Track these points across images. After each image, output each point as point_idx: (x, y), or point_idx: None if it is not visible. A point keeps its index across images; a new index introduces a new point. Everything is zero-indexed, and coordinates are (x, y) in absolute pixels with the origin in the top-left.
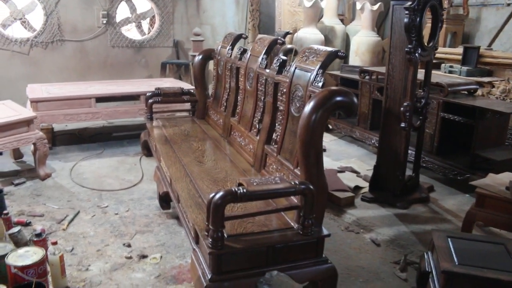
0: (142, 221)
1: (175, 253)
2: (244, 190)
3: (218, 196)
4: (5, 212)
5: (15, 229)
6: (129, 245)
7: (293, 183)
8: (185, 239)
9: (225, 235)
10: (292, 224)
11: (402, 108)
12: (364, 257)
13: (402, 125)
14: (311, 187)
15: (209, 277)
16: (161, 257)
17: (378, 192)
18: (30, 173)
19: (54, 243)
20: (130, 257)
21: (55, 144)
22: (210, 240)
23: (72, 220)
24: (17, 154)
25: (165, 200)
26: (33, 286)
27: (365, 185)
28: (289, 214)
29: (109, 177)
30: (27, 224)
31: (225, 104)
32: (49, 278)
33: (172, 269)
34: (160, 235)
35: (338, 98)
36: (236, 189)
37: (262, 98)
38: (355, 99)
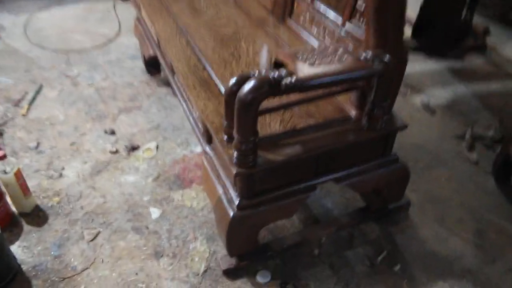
0: (126, 94)
1: (175, 138)
2: (293, 80)
3: (247, 89)
4: None
5: None
6: (112, 132)
7: (366, 57)
8: (184, 117)
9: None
10: (349, 112)
11: None
12: (418, 131)
13: None
14: (391, 62)
15: (237, 203)
16: (157, 146)
17: (425, 39)
18: None
19: (3, 158)
20: (116, 151)
21: None
22: (236, 153)
23: (33, 99)
24: None
25: (152, 65)
26: None
27: (407, 30)
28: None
29: (77, 32)
30: None
31: None
32: (9, 200)
33: (174, 165)
34: (151, 112)
35: None
36: (277, 76)
37: None
38: None
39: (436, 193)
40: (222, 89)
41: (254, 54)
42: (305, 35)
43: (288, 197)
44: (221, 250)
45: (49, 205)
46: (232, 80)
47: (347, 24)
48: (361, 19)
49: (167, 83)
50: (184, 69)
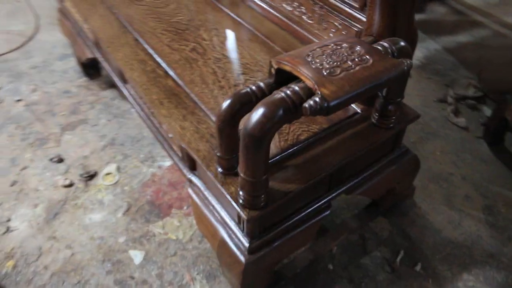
0: (65, 105)
1: (136, 154)
2: (317, 100)
3: (257, 119)
4: None
5: None
6: (60, 160)
7: (387, 49)
8: (142, 124)
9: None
10: (353, 107)
11: None
12: None
13: None
14: (407, 49)
15: (247, 246)
16: (118, 168)
17: None
18: None
19: None
20: (71, 184)
21: None
22: (245, 195)
23: None
24: None
25: (91, 66)
26: None
27: None
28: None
29: None
30: None
31: None
32: None
33: (144, 189)
34: (100, 124)
35: None
36: (294, 96)
37: None
38: None
39: (435, 170)
40: (201, 104)
41: (221, 47)
42: (276, 12)
43: (303, 223)
44: (226, 287)
45: (2, 273)
46: (226, 103)
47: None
48: None
49: (111, 84)
50: (141, 79)
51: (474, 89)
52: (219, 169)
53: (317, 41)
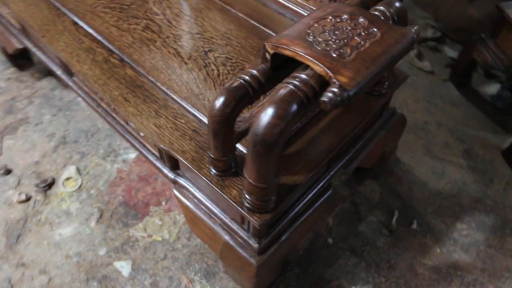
0: None
1: (95, 150)
2: (336, 90)
3: (267, 122)
4: None
5: None
6: (7, 171)
7: (387, 14)
8: (93, 114)
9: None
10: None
11: None
12: None
13: None
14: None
15: (257, 247)
16: (77, 170)
17: None
18: None
19: None
20: (28, 198)
21: None
22: (253, 200)
23: None
24: None
25: (20, 57)
26: None
27: None
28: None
29: None
30: None
31: None
32: None
33: (113, 189)
34: (45, 122)
35: None
36: (307, 88)
37: None
38: None
39: (411, 120)
40: (172, 95)
41: (177, 21)
42: None
43: (307, 209)
44: (228, 283)
45: None
46: (218, 102)
47: None
48: None
49: (46, 72)
50: (94, 72)
51: (432, 29)
52: (213, 171)
53: (284, 1)
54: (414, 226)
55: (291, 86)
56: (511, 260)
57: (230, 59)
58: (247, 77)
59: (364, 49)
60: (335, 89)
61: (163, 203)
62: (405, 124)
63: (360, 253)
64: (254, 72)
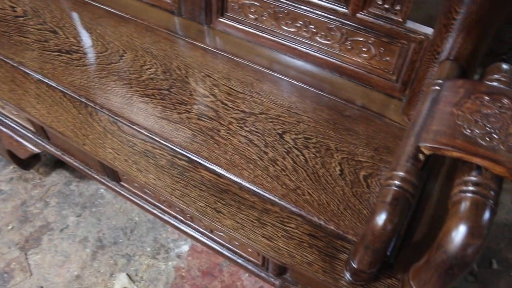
0: (6, 214)
1: (141, 250)
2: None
3: (464, 243)
4: None
5: None
6: None
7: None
8: (125, 205)
9: None
10: None
11: None
12: None
13: None
14: None
15: None
16: (128, 277)
17: None
18: None
19: None
20: None
21: None
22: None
23: None
24: None
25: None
26: None
27: None
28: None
29: None
30: None
31: None
32: None
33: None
34: (71, 225)
35: None
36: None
37: None
38: None
39: None
40: (268, 195)
41: (231, 100)
42: (265, 38)
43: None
44: None
45: None
46: (380, 220)
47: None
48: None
49: (54, 163)
50: (165, 182)
51: None
52: (348, 277)
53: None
54: (495, 265)
55: (472, 195)
56: None
57: (310, 139)
58: (401, 184)
59: None
60: None
61: None
62: None
63: None
64: (407, 177)
